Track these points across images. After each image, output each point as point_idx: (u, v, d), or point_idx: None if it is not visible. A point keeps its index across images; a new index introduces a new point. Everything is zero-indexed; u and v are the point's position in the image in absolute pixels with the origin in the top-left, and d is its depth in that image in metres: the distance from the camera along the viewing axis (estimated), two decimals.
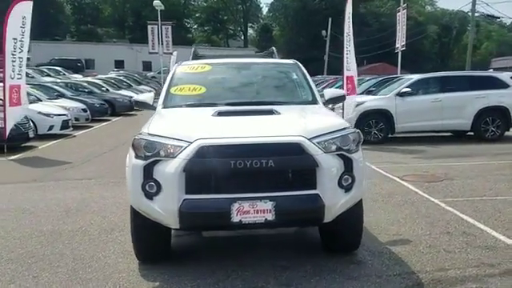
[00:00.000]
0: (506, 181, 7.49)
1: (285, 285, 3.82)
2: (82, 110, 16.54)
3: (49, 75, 28.69)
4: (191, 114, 4.50)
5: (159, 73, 33.82)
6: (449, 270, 4.07)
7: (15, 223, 5.62)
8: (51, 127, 13.50)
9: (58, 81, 23.58)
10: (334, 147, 3.81)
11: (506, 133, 12.39)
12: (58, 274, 4.10)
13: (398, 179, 7.75)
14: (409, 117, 11.93)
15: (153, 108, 4.97)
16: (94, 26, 59.63)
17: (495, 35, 70.07)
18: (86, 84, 22.34)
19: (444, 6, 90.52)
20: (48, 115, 13.61)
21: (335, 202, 3.77)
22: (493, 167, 8.65)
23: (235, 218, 3.57)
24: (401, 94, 12.06)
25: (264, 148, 3.62)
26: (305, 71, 5.39)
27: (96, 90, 21.73)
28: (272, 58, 6.32)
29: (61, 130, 13.74)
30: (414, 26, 53.28)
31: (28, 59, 40.48)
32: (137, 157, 3.80)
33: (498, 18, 52.56)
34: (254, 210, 3.58)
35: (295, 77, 5.30)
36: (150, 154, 3.73)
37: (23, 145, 11.54)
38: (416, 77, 12.92)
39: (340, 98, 5.35)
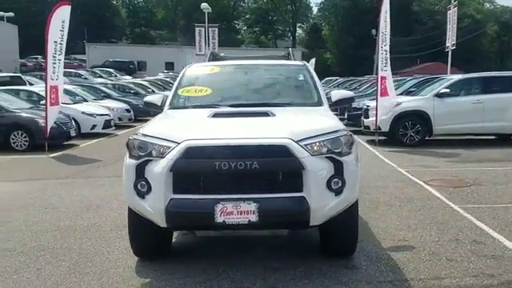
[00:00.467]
0: None
1: (270, 287, 3.83)
2: (126, 110, 17.17)
3: (101, 76, 29.95)
4: (189, 115, 4.60)
5: None
6: (444, 278, 3.93)
7: (37, 218, 5.94)
8: (94, 126, 14.10)
9: (108, 82, 24.58)
10: (323, 150, 3.78)
11: None
12: (60, 268, 4.31)
13: (422, 184, 7.50)
14: (448, 119, 11.47)
15: (160, 109, 5.11)
16: (147, 28, 61.62)
17: None
18: (132, 85, 23.12)
19: (504, 3, 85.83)
20: (91, 115, 14.23)
21: (323, 205, 3.73)
22: None
23: (219, 219, 3.62)
24: (439, 95, 11.62)
25: (248, 150, 3.64)
26: (313, 73, 5.35)
27: (142, 92, 22.43)
28: (288, 59, 6.32)
29: (103, 129, 14.32)
30: (472, 24, 51.16)
31: (84, 61, 42.49)
32: (130, 156, 3.94)
33: None
34: (237, 211, 3.61)
35: (302, 78, 5.28)
36: (142, 153, 3.85)
37: (65, 143, 12.12)
38: (456, 77, 12.43)
39: (348, 100, 5.27)
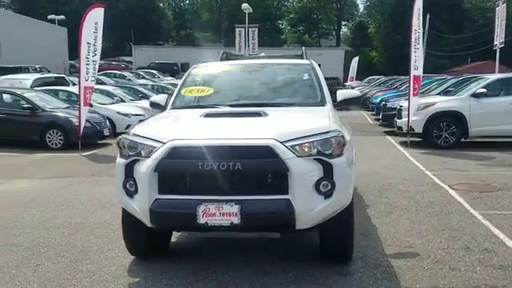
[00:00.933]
0: None
1: None
2: None
3: (144, 78, 30.66)
4: (183, 115, 4.58)
5: None
6: None
7: (52, 214, 6.11)
8: (128, 126, 14.36)
9: (148, 83, 25.14)
10: (312, 151, 3.65)
11: None
12: (58, 264, 4.40)
13: (447, 188, 7.15)
14: (484, 120, 10.92)
15: (164, 109, 5.13)
16: (192, 30, 62.68)
17: None
18: (170, 86, 23.50)
19: None
20: (126, 115, 14.58)
21: (310, 208, 3.61)
22: None
23: (201, 220, 3.57)
24: (476, 95, 11.07)
25: (232, 150, 3.58)
26: (318, 72, 5.20)
27: None
28: (302, 59, 6.19)
29: None
30: None
31: (131, 63, 43.61)
32: (121, 156, 3.97)
33: None
34: (219, 212, 3.55)
35: (306, 78, 5.16)
36: (132, 153, 3.87)
37: (99, 142, 12.48)
38: (494, 77, 11.81)
39: (354, 100, 5.07)
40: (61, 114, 12.17)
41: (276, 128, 3.79)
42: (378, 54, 61.69)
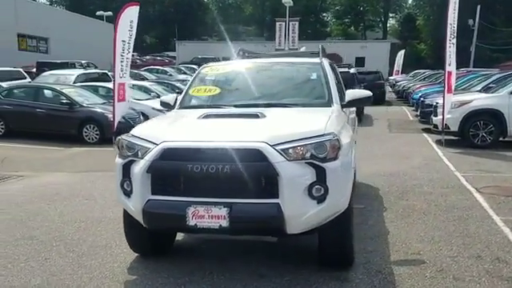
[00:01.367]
0: None
1: None
2: None
3: (185, 73, 31.12)
4: (185, 116, 4.59)
5: None
6: None
7: (73, 208, 6.33)
8: None
9: (189, 78, 25.48)
10: (305, 154, 3.58)
11: None
12: (65, 258, 4.55)
13: (473, 191, 6.84)
14: None
15: (172, 108, 5.18)
16: (235, 25, 62.96)
17: None
18: None
19: None
20: (161, 110, 14.75)
21: (301, 213, 3.54)
22: None
23: (191, 222, 3.59)
24: None
25: (221, 153, 3.56)
26: (327, 72, 5.08)
27: None
28: (317, 56, 6.06)
29: None
30: None
31: (174, 58, 44.34)
32: (119, 156, 4.05)
33: None
34: (208, 215, 3.55)
35: (314, 77, 5.04)
36: (130, 153, 3.93)
37: None
38: None
39: (363, 100, 4.91)
40: (97, 110, 12.57)
41: (268, 131, 3.73)
42: (426, 47, 59.71)
